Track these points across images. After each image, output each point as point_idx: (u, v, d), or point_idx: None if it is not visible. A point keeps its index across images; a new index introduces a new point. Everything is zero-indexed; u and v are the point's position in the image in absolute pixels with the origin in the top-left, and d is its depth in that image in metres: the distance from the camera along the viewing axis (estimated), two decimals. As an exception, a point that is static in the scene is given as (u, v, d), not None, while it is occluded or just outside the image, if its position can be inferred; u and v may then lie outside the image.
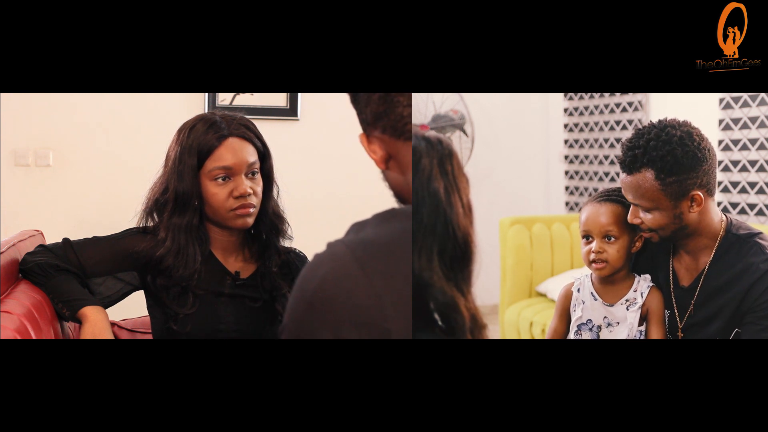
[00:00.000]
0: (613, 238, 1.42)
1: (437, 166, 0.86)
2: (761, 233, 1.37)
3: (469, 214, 0.88)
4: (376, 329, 0.78)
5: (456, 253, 0.85)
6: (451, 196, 0.85)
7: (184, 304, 1.50)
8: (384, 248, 0.82)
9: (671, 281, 1.43)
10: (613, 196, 1.45)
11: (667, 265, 1.44)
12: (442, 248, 0.83)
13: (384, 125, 0.91)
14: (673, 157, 1.28)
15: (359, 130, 0.96)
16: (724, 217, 1.40)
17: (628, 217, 1.38)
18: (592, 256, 1.44)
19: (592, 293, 1.47)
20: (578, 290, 1.50)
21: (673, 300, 1.43)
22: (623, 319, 1.43)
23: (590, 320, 1.46)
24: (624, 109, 3.81)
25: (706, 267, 1.37)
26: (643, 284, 1.45)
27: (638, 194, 1.33)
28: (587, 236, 1.46)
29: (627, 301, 1.44)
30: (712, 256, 1.37)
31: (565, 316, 1.52)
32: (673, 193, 1.31)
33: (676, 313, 1.42)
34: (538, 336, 2.97)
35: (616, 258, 1.42)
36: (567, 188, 4.28)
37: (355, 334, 0.78)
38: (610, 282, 1.46)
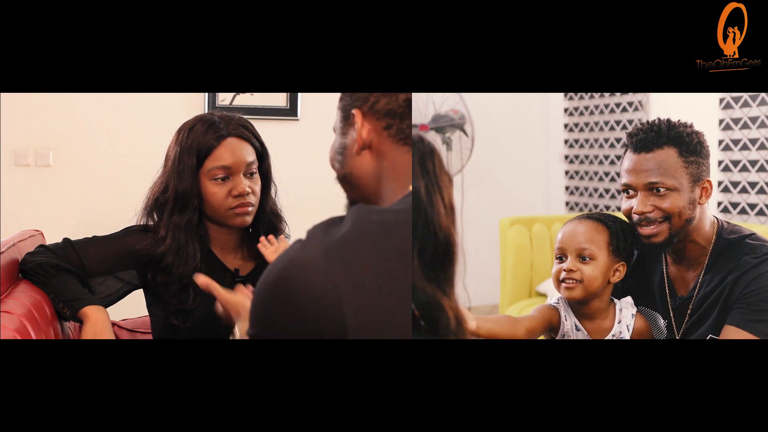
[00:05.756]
0: (588, 258, 1.30)
1: (417, 165, 0.86)
2: (753, 234, 1.34)
3: (452, 214, 0.86)
4: (331, 315, 0.79)
5: (437, 252, 0.83)
6: (432, 196, 0.84)
7: (185, 300, 1.51)
8: (350, 242, 0.83)
9: (667, 292, 1.40)
10: (594, 215, 1.36)
11: (662, 276, 1.41)
12: (423, 248, 0.82)
13: (391, 124, 0.94)
14: (696, 137, 1.30)
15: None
16: (715, 220, 1.37)
17: (636, 207, 1.30)
18: (563, 274, 1.31)
19: (575, 325, 1.35)
20: (566, 319, 1.36)
21: (671, 310, 1.39)
22: None
23: None
24: (624, 109, 3.81)
25: (701, 275, 1.35)
26: (626, 314, 1.34)
27: (661, 170, 1.28)
28: (561, 255, 1.33)
29: (614, 336, 1.33)
30: (705, 264, 1.34)
31: (546, 327, 1.35)
32: (692, 173, 1.30)
33: (674, 323, 1.39)
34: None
35: (590, 279, 1.30)
36: (567, 188, 4.28)
37: (311, 315, 0.80)
38: (588, 316, 1.34)
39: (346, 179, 1.00)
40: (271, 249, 1.55)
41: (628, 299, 1.37)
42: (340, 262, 0.81)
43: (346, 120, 0.98)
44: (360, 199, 0.99)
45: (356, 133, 0.96)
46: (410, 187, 0.91)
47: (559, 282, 1.33)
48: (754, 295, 1.26)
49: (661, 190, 1.29)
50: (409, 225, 0.84)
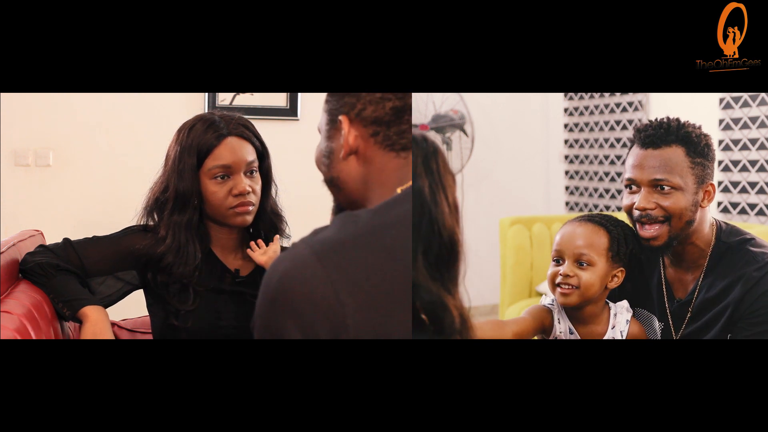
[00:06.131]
0: (586, 264, 1.26)
1: (421, 165, 0.86)
2: (752, 239, 1.33)
3: (456, 213, 0.86)
4: (333, 315, 0.80)
5: (442, 252, 0.83)
6: (436, 195, 0.84)
7: (185, 301, 1.51)
8: (340, 244, 0.84)
9: (665, 294, 1.39)
10: (595, 218, 1.32)
11: (660, 278, 1.40)
12: (427, 247, 0.82)
13: (378, 131, 0.94)
14: (705, 139, 1.30)
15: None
16: (713, 222, 1.36)
17: (638, 203, 1.27)
18: (559, 278, 1.27)
19: (569, 328, 1.32)
20: (559, 321, 1.32)
21: (668, 313, 1.38)
22: None
23: None
24: (624, 109, 3.81)
25: (700, 278, 1.33)
26: (621, 319, 1.30)
27: (668, 168, 1.27)
28: (558, 258, 1.29)
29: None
30: (705, 267, 1.33)
31: (537, 329, 1.32)
32: (698, 175, 1.28)
33: (671, 326, 1.38)
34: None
35: (587, 285, 1.25)
36: (567, 188, 4.28)
37: (314, 321, 0.81)
38: (581, 320, 1.31)
39: (332, 183, 1.00)
40: (259, 252, 1.56)
41: (624, 303, 1.34)
42: (334, 264, 0.81)
43: (333, 124, 0.98)
44: (347, 202, 0.99)
45: (343, 139, 0.96)
46: (398, 190, 0.92)
47: (554, 285, 1.29)
48: (758, 317, 1.26)
49: (666, 188, 1.27)
50: (402, 224, 0.84)
